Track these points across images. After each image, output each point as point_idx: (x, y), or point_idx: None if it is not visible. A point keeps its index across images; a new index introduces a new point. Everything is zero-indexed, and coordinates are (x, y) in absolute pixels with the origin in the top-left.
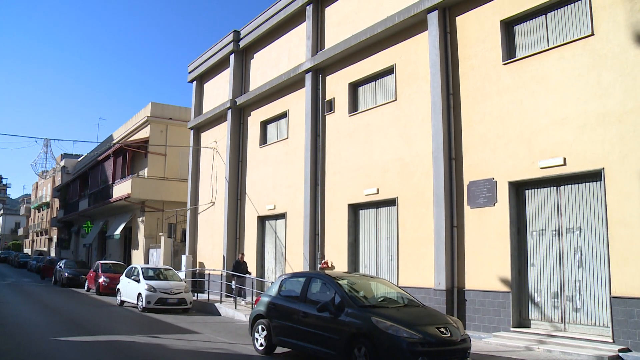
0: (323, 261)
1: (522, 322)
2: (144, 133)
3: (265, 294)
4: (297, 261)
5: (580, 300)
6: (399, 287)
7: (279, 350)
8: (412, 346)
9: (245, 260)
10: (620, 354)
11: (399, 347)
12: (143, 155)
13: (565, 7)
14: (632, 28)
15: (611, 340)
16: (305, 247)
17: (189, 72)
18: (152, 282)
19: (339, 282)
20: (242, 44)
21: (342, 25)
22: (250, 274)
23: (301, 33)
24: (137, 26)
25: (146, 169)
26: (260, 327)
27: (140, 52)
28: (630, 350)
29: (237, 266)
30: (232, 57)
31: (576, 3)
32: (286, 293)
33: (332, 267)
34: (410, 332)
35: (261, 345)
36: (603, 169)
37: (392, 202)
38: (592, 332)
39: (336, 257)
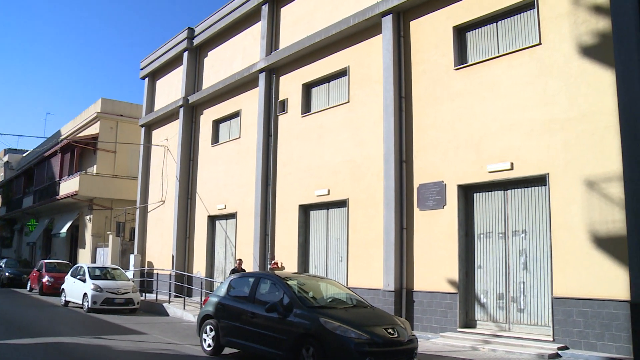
0: (273, 261)
1: (468, 322)
2: (94, 129)
3: (213, 294)
4: (247, 261)
5: (524, 301)
6: (349, 288)
7: (227, 351)
8: (359, 347)
9: (243, 267)
10: (559, 352)
11: (347, 347)
12: (92, 152)
13: (515, 16)
14: (576, 40)
15: (552, 339)
16: (256, 247)
17: (141, 69)
18: (99, 282)
19: (288, 282)
20: (196, 41)
21: (297, 26)
22: None
23: (256, 32)
24: (87, 20)
25: (95, 166)
26: (208, 327)
27: (90, 46)
28: (568, 348)
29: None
30: (185, 54)
31: (525, 13)
32: (235, 293)
33: (282, 268)
34: (358, 333)
35: (209, 345)
36: (548, 174)
37: (342, 204)
38: (535, 332)
39: (286, 257)
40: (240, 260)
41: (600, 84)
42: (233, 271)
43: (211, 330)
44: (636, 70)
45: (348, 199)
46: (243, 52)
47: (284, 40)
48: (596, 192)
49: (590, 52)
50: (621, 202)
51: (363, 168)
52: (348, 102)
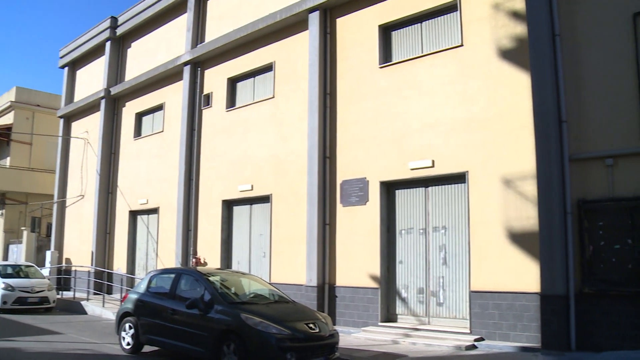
0: (195, 257)
1: (389, 316)
2: (7, 119)
3: (133, 291)
4: (169, 257)
5: (443, 295)
6: (271, 284)
7: (147, 349)
8: (280, 342)
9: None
10: (476, 343)
11: (268, 343)
12: (5, 143)
13: (439, 18)
14: (495, 42)
15: (469, 331)
16: (178, 242)
17: (61, 57)
18: (10, 280)
19: (210, 278)
20: (119, 31)
21: (223, 19)
22: None
23: (181, 25)
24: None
25: (8, 158)
26: (127, 325)
27: (3, 31)
28: (484, 339)
29: None
30: (108, 44)
31: (449, 15)
32: (155, 290)
33: (205, 264)
34: (279, 328)
35: (128, 344)
36: (467, 171)
37: (266, 199)
38: (453, 325)
39: (209, 253)
40: (197, 258)
41: (517, 86)
42: None
43: (130, 328)
44: (549, 73)
45: (271, 194)
46: (168, 44)
47: (210, 33)
48: (512, 190)
49: (508, 54)
50: (535, 199)
51: (287, 163)
52: (273, 97)
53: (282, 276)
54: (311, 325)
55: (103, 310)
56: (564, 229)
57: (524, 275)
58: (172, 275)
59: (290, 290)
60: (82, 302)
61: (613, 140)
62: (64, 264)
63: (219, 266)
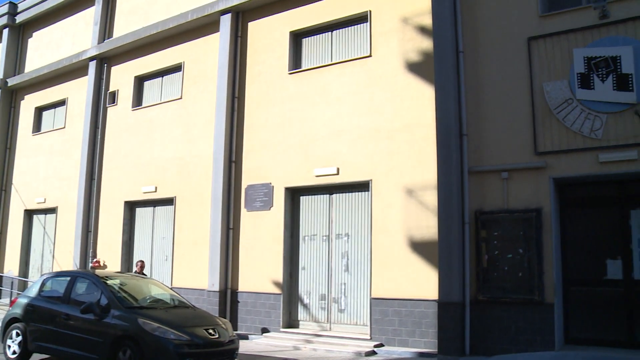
0: (95, 260)
1: (291, 322)
2: None
3: (23, 295)
4: (67, 259)
5: (344, 302)
6: (173, 288)
7: (36, 357)
8: (178, 348)
9: (144, 272)
10: (375, 349)
11: (166, 349)
12: None
13: (350, 28)
14: (403, 55)
15: (369, 338)
16: (77, 244)
17: None
18: None
19: (108, 282)
20: (19, 19)
21: (133, 15)
22: None
23: (88, 18)
24: None
25: None
26: (14, 332)
27: None
28: (384, 345)
29: None
30: (6, 31)
31: (359, 25)
32: (48, 294)
33: (104, 267)
34: (178, 334)
35: (14, 352)
36: (371, 180)
37: (170, 201)
38: (354, 331)
39: (109, 256)
40: (141, 262)
41: (422, 98)
42: None
43: (18, 335)
44: (452, 88)
45: (176, 196)
46: (73, 37)
47: (118, 29)
48: (414, 199)
49: (414, 67)
50: (435, 209)
51: (192, 166)
52: (181, 98)
53: (184, 280)
54: (211, 330)
55: None
56: (462, 239)
57: (423, 282)
58: (68, 279)
59: (192, 295)
60: None
61: (509, 155)
62: None
63: (119, 269)
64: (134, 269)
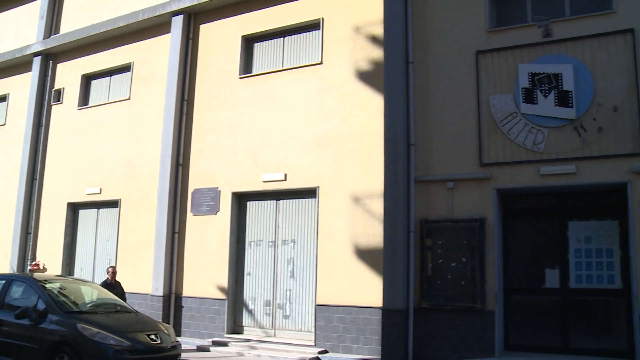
0: (34, 262)
1: (236, 328)
2: None
3: None
4: (3, 262)
5: (289, 308)
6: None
7: None
8: (119, 354)
9: (118, 279)
10: (319, 356)
11: (105, 355)
12: None
13: (302, 34)
14: (353, 64)
15: (314, 344)
16: (15, 246)
17: None
18: None
19: (46, 286)
20: None
21: (82, 12)
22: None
23: (34, 11)
24: None
25: None
26: None
27: None
28: (328, 352)
29: (107, 288)
30: None
31: (311, 32)
32: None
33: (44, 270)
34: (118, 340)
35: None
36: (318, 187)
37: (114, 204)
38: (299, 337)
39: (50, 259)
40: (112, 268)
41: (371, 107)
42: (104, 285)
43: None
44: (401, 97)
45: (121, 199)
46: (17, 30)
47: (65, 24)
48: (360, 207)
49: (364, 76)
50: (381, 217)
51: (139, 168)
52: (129, 99)
53: (127, 285)
54: (153, 336)
55: None
56: (407, 247)
57: (368, 290)
58: (2, 282)
59: (135, 299)
60: None
61: (455, 165)
62: None
63: (59, 273)
64: (106, 275)
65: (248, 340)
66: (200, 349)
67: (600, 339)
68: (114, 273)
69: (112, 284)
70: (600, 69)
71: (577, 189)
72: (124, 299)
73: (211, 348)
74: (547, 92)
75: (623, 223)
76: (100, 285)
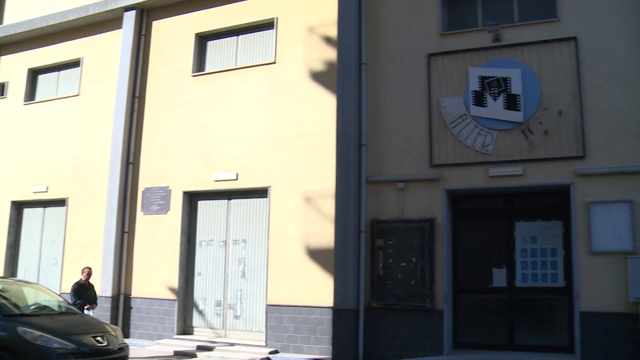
0: None
1: (186, 329)
2: None
3: None
4: None
5: (240, 308)
6: (61, 294)
7: None
8: (63, 357)
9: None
10: (270, 356)
11: (48, 359)
12: None
13: (256, 33)
14: (307, 64)
15: (265, 344)
16: None
17: None
18: None
19: None
20: None
21: (28, 3)
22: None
23: None
24: None
25: None
26: None
27: None
28: (279, 352)
29: (81, 291)
30: None
31: (265, 32)
32: None
33: None
34: (63, 343)
35: None
36: (270, 186)
37: (62, 202)
38: (250, 337)
39: None
40: (88, 269)
41: (324, 107)
42: (78, 287)
43: None
44: (353, 98)
45: (68, 197)
46: None
47: (10, 15)
48: (312, 207)
49: (318, 77)
50: (332, 217)
51: (87, 166)
52: (78, 95)
53: None
54: (99, 338)
55: None
56: (358, 247)
57: (319, 289)
58: None
59: None
60: None
61: (405, 166)
62: None
63: (1, 274)
64: (80, 276)
65: (198, 341)
66: (149, 350)
67: (544, 336)
68: (89, 274)
69: (85, 286)
70: (546, 74)
71: (523, 190)
72: (96, 302)
73: (160, 349)
74: (496, 95)
75: (567, 223)
76: (73, 285)
